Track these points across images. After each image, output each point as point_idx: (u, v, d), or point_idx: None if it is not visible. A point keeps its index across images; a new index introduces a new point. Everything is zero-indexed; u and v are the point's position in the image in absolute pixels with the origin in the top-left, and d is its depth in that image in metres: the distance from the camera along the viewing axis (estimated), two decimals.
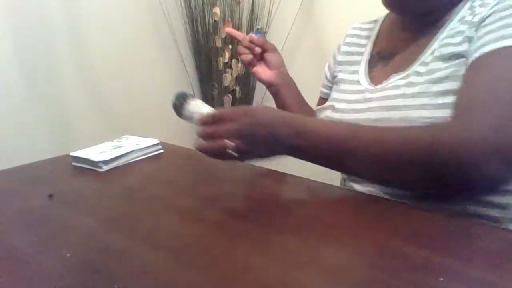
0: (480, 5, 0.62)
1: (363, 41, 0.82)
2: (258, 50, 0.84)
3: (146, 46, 1.76)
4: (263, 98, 1.75)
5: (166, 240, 0.46)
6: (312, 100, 0.93)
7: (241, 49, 0.86)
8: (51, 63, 1.47)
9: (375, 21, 0.83)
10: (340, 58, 0.84)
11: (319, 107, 0.80)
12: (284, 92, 0.86)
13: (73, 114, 1.55)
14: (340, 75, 0.81)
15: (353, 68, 0.79)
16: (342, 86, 0.78)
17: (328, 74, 0.88)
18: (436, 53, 0.64)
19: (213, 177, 0.68)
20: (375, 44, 0.80)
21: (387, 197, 0.60)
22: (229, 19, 1.75)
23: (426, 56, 0.65)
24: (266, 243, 0.45)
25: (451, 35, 0.64)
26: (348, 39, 0.86)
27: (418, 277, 0.37)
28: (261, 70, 0.86)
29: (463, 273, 0.37)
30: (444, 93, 0.59)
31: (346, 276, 0.38)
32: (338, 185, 0.77)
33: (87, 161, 0.72)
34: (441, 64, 0.62)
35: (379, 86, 0.70)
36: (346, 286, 0.37)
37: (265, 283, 0.37)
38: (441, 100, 0.59)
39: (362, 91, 0.73)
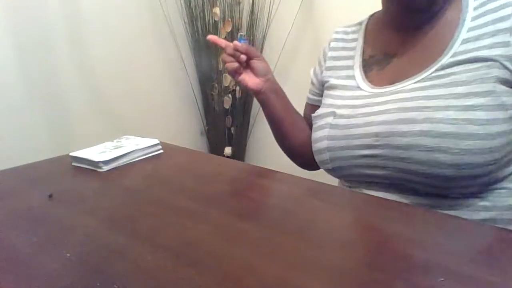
0: (501, 6, 0.62)
1: (351, 45, 0.80)
2: (243, 57, 0.79)
3: (146, 46, 1.76)
4: None
5: (166, 240, 0.46)
6: None
7: (225, 57, 0.80)
8: (51, 63, 1.47)
9: (359, 24, 0.82)
10: (328, 63, 0.82)
11: (316, 114, 0.78)
12: (272, 99, 0.82)
13: (73, 114, 1.55)
14: (332, 81, 0.79)
15: (346, 73, 0.77)
16: (338, 92, 0.76)
17: (315, 80, 0.87)
18: (459, 57, 0.62)
19: (213, 177, 0.68)
20: (364, 47, 0.78)
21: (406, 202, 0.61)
22: (229, 19, 1.76)
23: (446, 59, 0.63)
24: (266, 243, 0.45)
25: (473, 38, 0.62)
26: (334, 44, 0.84)
27: (418, 277, 0.37)
28: (247, 78, 0.80)
29: (463, 273, 0.37)
30: (470, 95, 0.58)
31: (346, 276, 0.38)
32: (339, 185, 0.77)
33: (87, 161, 0.72)
34: (464, 67, 0.61)
35: (390, 89, 0.68)
36: (346, 286, 0.37)
37: (265, 283, 0.37)
38: (467, 102, 0.58)
39: (367, 96, 0.70)
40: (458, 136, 0.56)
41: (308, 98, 0.89)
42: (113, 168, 0.71)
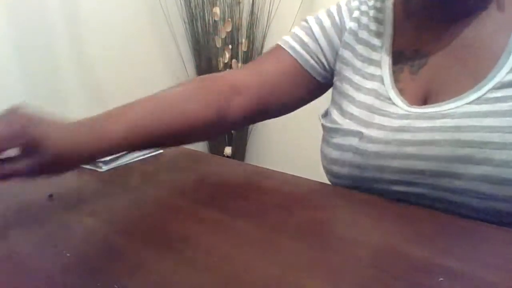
0: None
1: (376, 27, 0.61)
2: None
3: (146, 46, 1.76)
4: None
5: (166, 240, 0.46)
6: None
7: None
8: (51, 63, 1.47)
9: (381, 1, 0.63)
10: (347, 37, 0.62)
11: (331, 125, 0.60)
12: (75, 150, 0.47)
13: (73, 114, 1.55)
14: (348, 74, 0.61)
15: (371, 70, 0.59)
16: (361, 96, 0.59)
17: (319, 35, 0.63)
18: None
19: (213, 177, 0.68)
20: (394, 35, 0.59)
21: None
22: (229, 19, 1.75)
23: (504, 73, 0.49)
24: (266, 243, 0.45)
25: None
26: (357, 14, 0.62)
27: (418, 277, 0.37)
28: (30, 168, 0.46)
29: (463, 273, 0.37)
30: None
31: (346, 276, 0.38)
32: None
33: None
34: None
35: (434, 110, 0.52)
36: (346, 286, 0.37)
37: (265, 283, 0.37)
38: None
39: (404, 116, 0.54)
40: None
41: (291, 47, 0.64)
42: (113, 168, 0.71)
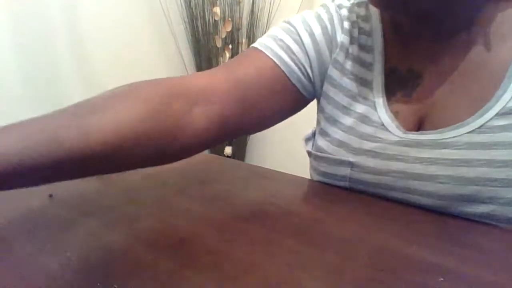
0: None
1: (365, 40, 0.55)
2: None
3: (146, 46, 1.76)
4: None
5: (166, 240, 0.46)
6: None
7: None
8: (51, 64, 1.47)
9: (363, 4, 0.56)
10: (337, 55, 0.55)
11: (317, 153, 0.57)
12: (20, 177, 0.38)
13: None
14: (336, 96, 0.55)
15: (361, 91, 0.53)
16: (349, 121, 0.54)
17: (308, 42, 0.54)
18: None
19: (213, 177, 0.68)
20: (385, 48, 0.54)
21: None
22: (229, 19, 1.76)
23: (509, 97, 0.43)
24: (266, 243, 0.45)
25: None
26: (347, 25, 0.55)
27: (418, 277, 0.37)
28: None
29: (463, 273, 0.37)
30: None
31: (346, 276, 0.38)
32: None
33: None
34: None
35: (431, 137, 0.47)
36: (346, 286, 0.37)
37: (265, 283, 0.37)
38: None
39: (399, 143, 0.49)
40: None
41: (277, 56, 0.53)
42: None
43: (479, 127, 0.44)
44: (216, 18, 1.74)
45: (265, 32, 1.81)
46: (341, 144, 0.54)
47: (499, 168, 0.43)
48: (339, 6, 0.57)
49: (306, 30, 0.55)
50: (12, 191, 0.63)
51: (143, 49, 1.73)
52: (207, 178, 0.68)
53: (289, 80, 0.54)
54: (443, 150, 0.46)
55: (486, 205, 0.44)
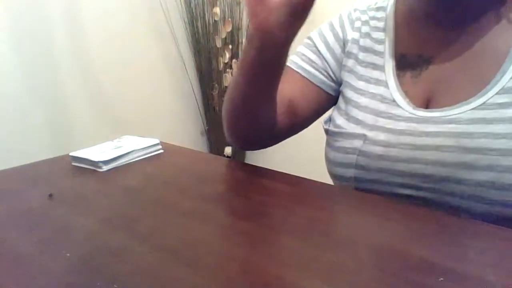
0: None
1: (377, 35, 0.63)
2: None
3: (146, 46, 1.76)
4: None
5: (166, 240, 0.46)
6: None
7: None
8: (52, 64, 1.48)
9: (382, 8, 0.65)
10: (350, 48, 0.64)
11: (335, 129, 0.61)
12: (288, 46, 0.54)
13: (73, 114, 1.55)
14: (352, 80, 0.63)
15: (375, 74, 0.61)
16: (365, 101, 0.60)
17: (324, 51, 0.66)
18: None
19: (213, 177, 0.68)
20: (396, 41, 0.61)
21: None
22: (229, 19, 1.76)
23: (508, 77, 0.49)
24: (266, 243, 0.45)
25: None
26: (359, 24, 0.65)
27: (418, 277, 0.37)
28: None
29: (463, 273, 0.37)
30: None
31: (346, 276, 0.38)
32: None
33: (87, 161, 0.72)
34: None
35: (439, 114, 0.53)
36: (346, 286, 0.37)
37: (265, 283, 0.37)
38: None
39: (409, 119, 0.55)
40: None
41: (301, 68, 0.66)
42: (113, 168, 0.71)
43: (480, 105, 0.50)
44: (216, 19, 1.74)
45: None
46: (357, 121, 0.60)
47: (498, 139, 0.47)
48: (354, 10, 0.67)
49: (321, 40, 0.67)
50: (12, 191, 0.63)
51: (143, 49, 1.74)
52: (207, 178, 0.68)
53: (313, 83, 0.66)
54: (448, 125, 0.51)
55: (485, 173, 0.47)
